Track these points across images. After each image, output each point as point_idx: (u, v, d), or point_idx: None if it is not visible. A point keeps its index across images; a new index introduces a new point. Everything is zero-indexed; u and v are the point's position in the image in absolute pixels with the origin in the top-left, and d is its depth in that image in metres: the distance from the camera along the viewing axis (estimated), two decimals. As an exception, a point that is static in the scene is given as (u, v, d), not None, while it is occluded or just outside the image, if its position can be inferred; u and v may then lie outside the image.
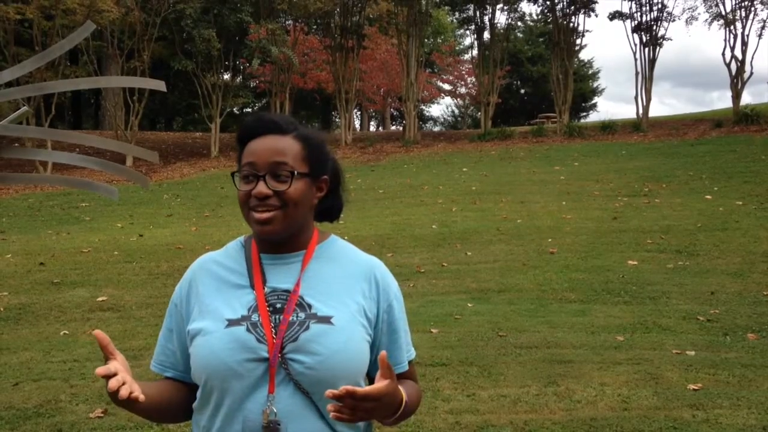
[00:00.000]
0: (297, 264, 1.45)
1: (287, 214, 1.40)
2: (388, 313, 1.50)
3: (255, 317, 1.37)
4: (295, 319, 1.38)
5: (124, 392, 1.21)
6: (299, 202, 1.41)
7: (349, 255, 1.53)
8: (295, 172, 1.40)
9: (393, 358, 1.49)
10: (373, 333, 1.46)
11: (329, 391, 1.21)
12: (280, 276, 1.44)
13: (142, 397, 1.24)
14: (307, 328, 1.36)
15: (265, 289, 1.41)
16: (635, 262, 7.78)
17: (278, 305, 1.39)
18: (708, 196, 11.45)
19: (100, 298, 7.10)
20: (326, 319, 1.38)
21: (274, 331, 1.35)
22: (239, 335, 1.35)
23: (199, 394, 1.41)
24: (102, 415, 4.17)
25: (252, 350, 1.34)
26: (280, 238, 1.43)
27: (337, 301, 1.42)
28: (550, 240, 9.12)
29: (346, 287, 1.46)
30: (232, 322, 1.36)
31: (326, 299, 1.42)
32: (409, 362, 1.55)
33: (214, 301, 1.42)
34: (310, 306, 1.40)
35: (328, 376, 1.34)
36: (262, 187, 1.38)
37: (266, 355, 1.33)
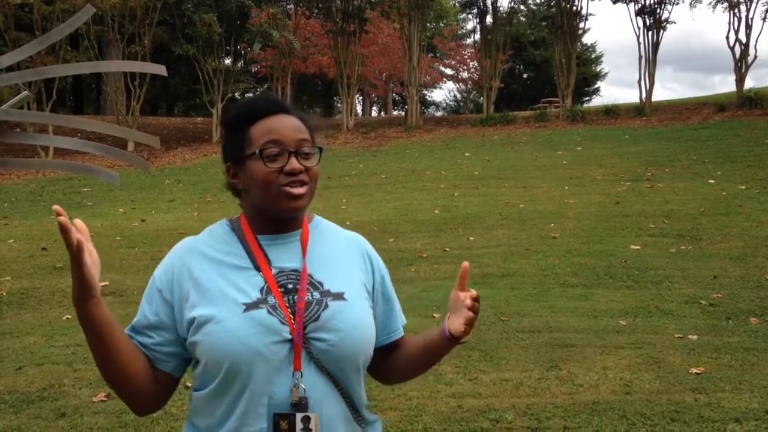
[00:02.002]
0: (296, 243, 1.44)
1: (311, 191, 1.41)
2: (381, 284, 1.53)
3: (271, 299, 1.35)
4: (311, 298, 1.37)
5: (68, 225, 1.20)
6: (318, 178, 1.43)
7: (337, 232, 1.55)
8: (321, 148, 1.43)
9: (392, 325, 1.55)
10: (372, 305, 1.49)
11: (467, 295, 1.44)
12: (283, 255, 1.42)
13: (89, 248, 1.29)
14: (326, 306, 1.37)
15: (272, 269, 1.39)
16: (638, 247, 7.77)
17: (289, 285, 1.38)
18: (711, 181, 11.41)
19: (102, 283, 7.06)
20: (340, 296, 1.40)
21: (290, 311, 1.34)
22: (262, 319, 1.32)
23: (215, 382, 1.34)
24: (105, 399, 4.18)
25: (277, 332, 1.32)
26: (298, 214, 1.43)
27: (343, 277, 1.44)
28: (552, 225, 9.11)
29: (347, 262, 1.48)
30: (249, 306, 1.34)
31: (333, 276, 1.43)
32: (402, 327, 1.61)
33: (217, 285, 1.37)
34: (321, 284, 1.40)
35: (349, 351, 1.37)
36: (295, 163, 1.37)
37: (289, 336, 1.32)
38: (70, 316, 6.09)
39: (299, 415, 1.31)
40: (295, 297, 1.37)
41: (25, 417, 3.96)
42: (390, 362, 1.56)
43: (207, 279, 1.38)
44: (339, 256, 1.48)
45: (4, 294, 6.83)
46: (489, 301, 6.08)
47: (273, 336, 1.32)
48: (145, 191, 14.16)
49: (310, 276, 1.41)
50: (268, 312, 1.33)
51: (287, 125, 1.40)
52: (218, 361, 1.32)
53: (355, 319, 1.39)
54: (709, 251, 7.49)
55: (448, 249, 8.17)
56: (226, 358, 1.31)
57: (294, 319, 1.34)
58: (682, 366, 4.48)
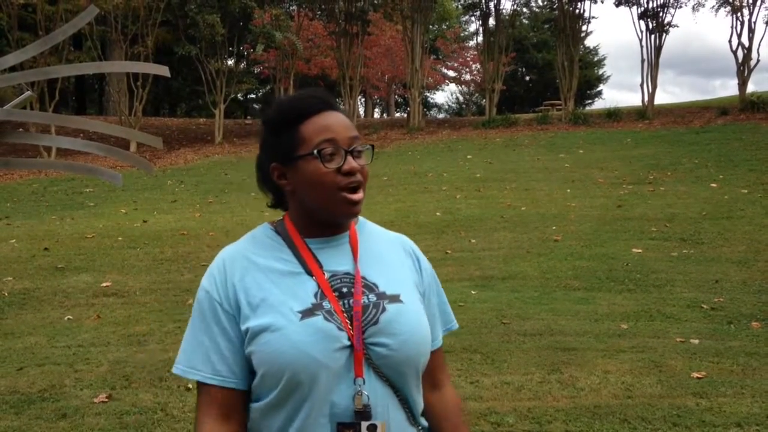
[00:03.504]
0: (345, 245, 1.39)
1: (364, 190, 1.36)
2: (429, 286, 1.47)
3: (326, 304, 1.29)
4: (367, 301, 1.31)
5: None
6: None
7: (382, 232, 1.50)
8: (372, 146, 1.38)
9: (432, 332, 1.44)
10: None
11: None
12: (334, 259, 1.36)
13: None
14: (384, 309, 1.31)
15: (325, 273, 1.33)
16: (639, 250, 7.76)
17: (344, 289, 1.32)
18: (713, 184, 11.40)
19: (104, 284, 7.11)
20: (396, 298, 1.34)
21: (346, 315, 1.29)
22: (320, 326, 1.26)
23: (273, 393, 1.28)
24: (106, 400, 4.18)
25: (336, 339, 1.26)
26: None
27: (397, 278, 1.39)
28: (554, 227, 9.10)
29: (398, 263, 1.43)
30: (305, 313, 1.27)
31: (387, 276, 1.37)
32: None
33: (271, 293, 1.30)
34: (376, 285, 1.35)
35: (409, 355, 1.31)
36: (353, 162, 1.32)
37: (348, 342, 1.27)
38: (71, 317, 6.10)
39: (364, 424, 1.25)
40: (351, 301, 1.31)
41: (26, 418, 3.96)
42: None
43: (258, 288, 1.32)
44: (390, 256, 1.43)
45: (6, 294, 6.83)
46: (490, 304, 6.07)
47: (332, 343, 1.26)
48: (148, 192, 14.17)
49: (364, 278, 1.35)
50: (325, 318, 1.27)
51: (339, 123, 1.34)
52: (277, 372, 1.26)
53: (414, 322, 1.33)
54: (711, 255, 7.48)
55: (449, 251, 8.17)
56: (286, 368, 1.25)
57: (351, 324, 1.28)
58: (684, 370, 4.47)
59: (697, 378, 4.32)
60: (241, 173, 15.99)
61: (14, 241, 9.37)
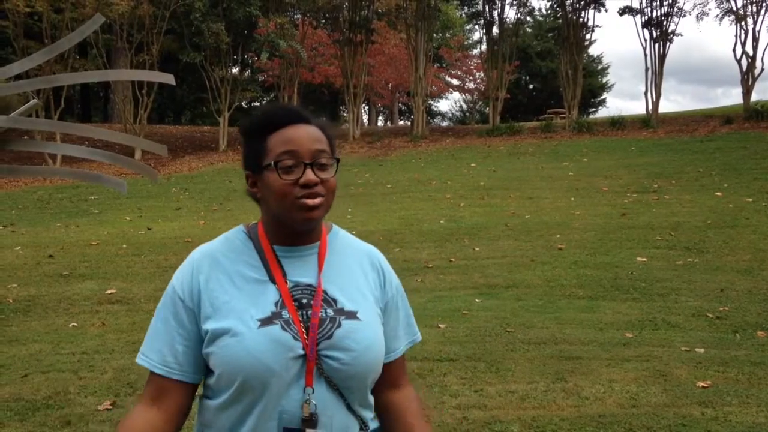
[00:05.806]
0: (312, 257, 1.43)
1: (327, 203, 1.39)
2: (392, 301, 1.51)
3: (285, 314, 1.34)
4: (324, 315, 1.37)
5: None
6: (336, 190, 1.41)
7: (353, 244, 1.54)
8: (338, 159, 1.41)
9: (390, 345, 1.50)
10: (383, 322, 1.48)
11: None
12: (299, 269, 1.41)
13: None
14: (339, 325, 1.36)
15: (288, 283, 1.38)
16: (644, 259, 7.75)
17: (304, 300, 1.37)
18: (718, 193, 11.38)
19: (108, 291, 7.12)
20: (353, 315, 1.39)
21: (303, 326, 1.34)
22: (276, 335, 1.32)
23: (227, 394, 1.34)
24: (110, 407, 4.18)
25: (290, 349, 1.31)
26: (314, 226, 1.42)
27: (357, 295, 1.43)
28: (558, 236, 9.09)
29: (362, 279, 1.47)
30: (264, 322, 1.33)
31: (348, 293, 1.42)
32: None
33: (233, 297, 1.36)
34: (335, 301, 1.40)
35: (360, 371, 1.37)
36: (311, 175, 1.34)
37: (302, 352, 1.32)
38: (76, 324, 6.11)
39: None
40: (309, 312, 1.36)
41: (30, 425, 3.96)
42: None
43: (222, 290, 1.37)
44: (354, 272, 1.47)
45: (11, 301, 6.84)
46: (494, 312, 6.06)
47: (286, 352, 1.31)
48: (152, 199, 14.20)
49: (324, 292, 1.40)
50: (282, 328, 1.32)
51: (304, 135, 1.37)
52: (231, 375, 1.32)
53: (369, 340, 1.38)
54: (715, 264, 7.46)
55: (453, 259, 8.16)
56: (240, 374, 1.31)
57: (307, 335, 1.33)
58: (689, 379, 4.45)
59: (703, 387, 4.30)
60: (245, 181, 16.01)
61: (19, 248, 9.40)
